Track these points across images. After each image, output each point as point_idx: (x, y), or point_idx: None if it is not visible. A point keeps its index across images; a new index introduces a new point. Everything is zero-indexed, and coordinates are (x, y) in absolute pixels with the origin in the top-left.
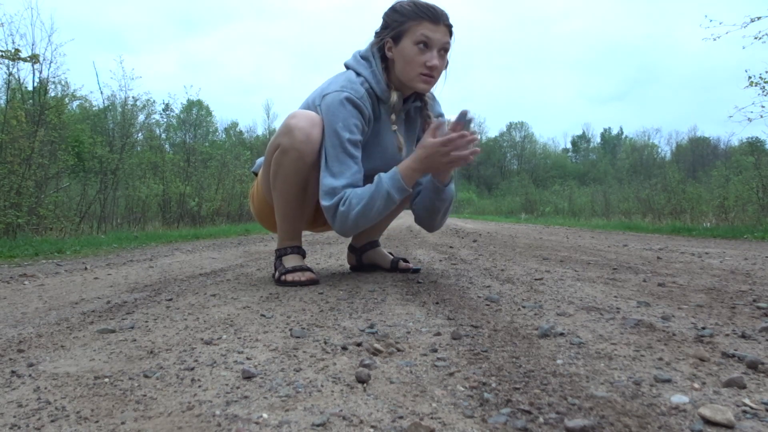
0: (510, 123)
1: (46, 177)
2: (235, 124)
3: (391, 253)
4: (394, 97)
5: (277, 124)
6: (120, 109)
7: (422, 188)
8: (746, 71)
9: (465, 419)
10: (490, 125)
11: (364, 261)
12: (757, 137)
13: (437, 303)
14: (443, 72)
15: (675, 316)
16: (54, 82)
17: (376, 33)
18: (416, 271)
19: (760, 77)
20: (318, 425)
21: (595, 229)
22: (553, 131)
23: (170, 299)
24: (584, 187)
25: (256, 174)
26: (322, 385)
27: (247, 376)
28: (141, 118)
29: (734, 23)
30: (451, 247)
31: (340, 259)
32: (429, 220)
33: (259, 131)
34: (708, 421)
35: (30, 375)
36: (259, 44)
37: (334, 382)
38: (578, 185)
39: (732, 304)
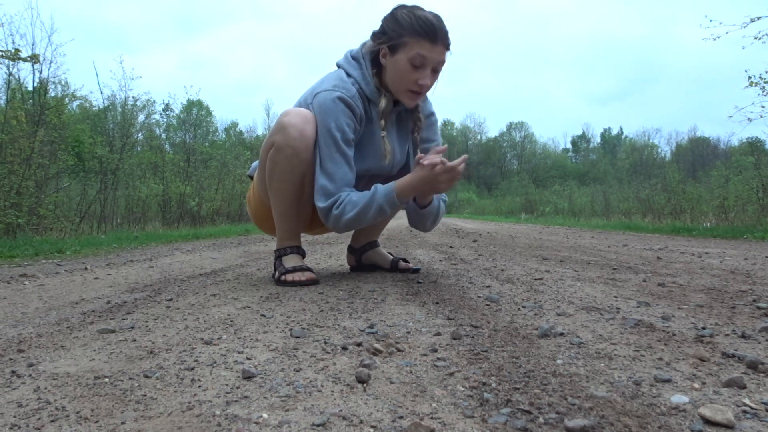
0: (510, 123)
1: (46, 177)
2: (235, 124)
3: (390, 253)
4: (383, 103)
5: None
6: (120, 109)
7: (407, 206)
8: (746, 71)
9: (465, 419)
10: (490, 125)
11: (364, 261)
12: (757, 137)
13: (437, 303)
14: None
15: (675, 316)
16: (54, 82)
17: (373, 35)
18: (416, 271)
19: (760, 77)
20: (318, 425)
21: (595, 229)
22: (553, 131)
23: (170, 299)
24: (584, 187)
25: (252, 178)
26: (322, 385)
27: (247, 376)
28: (141, 118)
29: (734, 23)
30: (451, 247)
31: (340, 259)
32: (420, 225)
33: (259, 131)
34: (708, 421)
35: (30, 375)
36: (259, 44)
37: (334, 382)
38: (578, 185)
39: (732, 304)
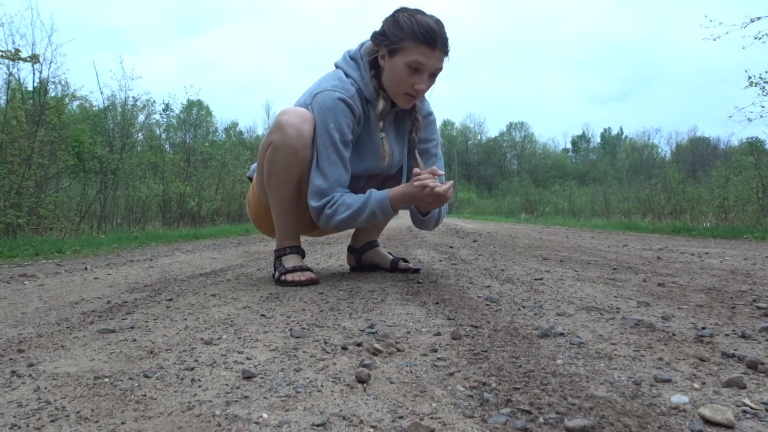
0: (510, 123)
1: (46, 177)
2: (235, 124)
3: (390, 253)
4: (381, 104)
5: None
6: (120, 109)
7: (409, 210)
8: (746, 71)
9: (465, 419)
10: (490, 125)
11: (364, 261)
12: (757, 137)
13: (437, 303)
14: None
15: (675, 316)
16: (54, 82)
17: (374, 36)
18: (416, 271)
19: (760, 77)
20: (318, 425)
21: (595, 229)
22: (553, 131)
23: (170, 299)
24: (584, 187)
25: (251, 179)
26: (322, 385)
27: (247, 376)
28: (141, 118)
29: (734, 23)
30: (451, 247)
31: (340, 259)
32: (422, 227)
33: (259, 131)
34: (708, 421)
35: (30, 375)
36: (259, 44)
37: (334, 382)
38: (578, 185)
39: (732, 304)
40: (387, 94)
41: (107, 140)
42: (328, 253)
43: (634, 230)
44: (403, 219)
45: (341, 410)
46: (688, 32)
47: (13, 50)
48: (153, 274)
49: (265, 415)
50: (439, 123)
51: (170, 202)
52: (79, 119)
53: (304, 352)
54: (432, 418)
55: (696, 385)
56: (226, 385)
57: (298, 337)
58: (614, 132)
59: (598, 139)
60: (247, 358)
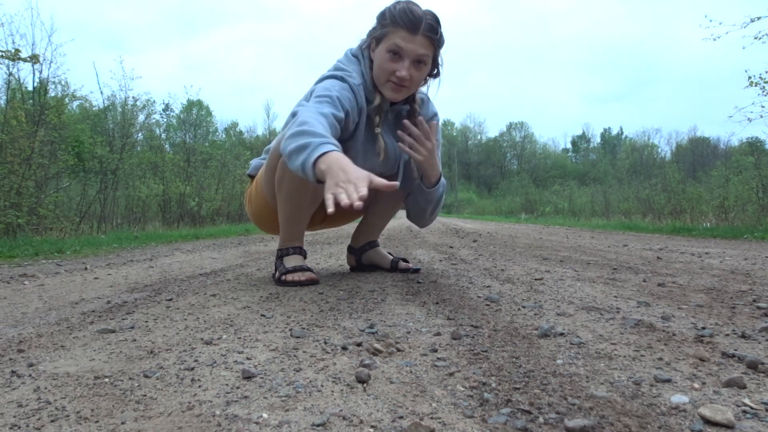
0: (510, 123)
1: (46, 177)
2: (235, 124)
3: (390, 253)
4: (378, 99)
5: (278, 125)
6: (120, 109)
7: (413, 188)
8: (746, 71)
9: (465, 419)
10: (490, 125)
11: (364, 261)
12: (757, 137)
13: (437, 303)
14: (437, 79)
15: (675, 316)
16: (54, 82)
17: (368, 32)
18: (416, 271)
19: (760, 77)
20: (318, 425)
21: (595, 229)
22: (553, 131)
23: (170, 299)
24: (584, 187)
25: (251, 177)
26: (322, 385)
27: (247, 376)
28: (141, 118)
29: (734, 23)
30: (451, 247)
31: (340, 259)
32: (419, 217)
33: (259, 131)
34: (708, 421)
35: (30, 375)
36: (259, 44)
37: (334, 382)
38: (578, 185)
39: (732, 304)
40: (378, 88)
41: (107, 140)
42: (328, 253)
43: (634, 230)
44: (403, 219)
45: (341, 410)
46: (689, 32)
47: (13, 50)
48: (153, 274)
49: (265, 415)
50: (440, 123)
51: (170, 202)
52: (79, 119)
53: (304, 352)
54: (432, 418)
55: (696, 385)
56: (226, 385)
57: (298, 337)
58: (614, 132)
59: (598, 139)
60: (247, 358)
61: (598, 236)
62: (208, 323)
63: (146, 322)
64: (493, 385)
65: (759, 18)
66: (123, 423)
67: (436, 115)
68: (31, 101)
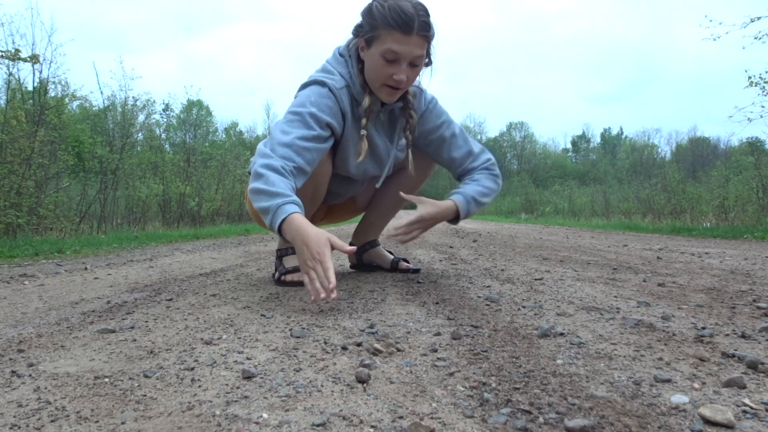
0: (510, 123)
1: (46, 177)
2: (235, 124)
3: (391, 253)
4: (367, 101)
5: None
6: (120, 109)
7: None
8: (746, 71)
9: (465, 419)
10: (490, 125)
11: (364, 261)
12: (757, 137)
13: (437, 303)
14: (429, 69)
15: (675, 316)
16: (54, 82)
17: (354, 29)
18: (416, 271)
19: (760, 77)
20: (318, 425)
21: (595, 229)
22: (553, 131)
23: (170, 299)
24: (584, 187)
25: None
26: (322, 385)
27: (247, 376)
28: (141, 118)
29: (734, 23)
30: (451, 247)
31: (341, 259)
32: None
33: (259, 131)
34: (708, 421)
35: (30, 375)
36: (259, 44)
37: (334, 382)
38: (578, 185)
39: (732, 304)
40: (372, 91)
41: (107, 140)
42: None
43: (634, 230)
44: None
45: (341, 410)
46: (688, 32)
47: (13, 50)
48: (153, 274)
49: (265, 415)
50: (438, 103)
51: (170, 202)
52: (79, 119)
53: (304, 352)
54: (432, 418)
55: (696, 385)
56: (226, 385)
57: (298, 337)
58: (614, 132)
59: (598, 139)
60: (247, 358)
61: (598, 236)
62: (208, 323)
63: (146, 322)
64: (493, 385)
65: (759, 18)
66: (123, 423)
67: (431, 100)
68: (31, 101)
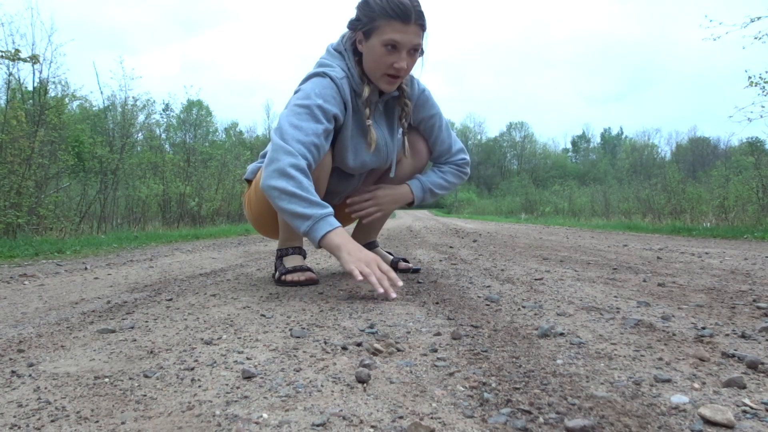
0: (510, 123)
1: (46, 177)
2: (235, 124)
3: (390, 253)
4: (367, 91)
5: None
6: (120, 109)
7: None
8: (746, 71)
9: (465, 419)
10: (490, 125)
11: None
12: (757, 137)
13: (437, 303)
14: (420, 59)
15: (675, 316)
16: (54, 82)
17: (349, 23)
18: (416, 271)
19: (760, 77)
20: (318, 425)
21: (595, 229)
22: (553, 131)
23: (170, 299)
24: (584, 187)
25: (248, 181)
26: (322, 385)
27: (247, 376)
28: (141, 118)
29: (734, 23)
30: (451, 247)
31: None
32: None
33: (259, 131)
34: (708, 421)
35: (30, 375)
36: (259, 44)
37: (334, 382)
38: (578, 185)
39: (732, 304)
40: (372, 81)
41: (107, 140)
42: (328, 253)
43: (634, 230)
44: (403, 219)
45: (341, 410)
46: (688, 32)
47: (13, 50)
48: (153, 274)
49: (265, 415)
50: (430, 94)
51: (170, 202)
52: (79, 119)
53: (304, 352)
54: (432, 418)
55: (696, 385)
56: (226, 385)
57: (298, 337)
58: (614, 132)
59: (598, 139)
60: (247, 358)
61: (598, 236)
62: (208, 323)
63: (146, 322)
64: (493, 385)
65: (759, 18)
66: (123, 423)
67: (424, 90)
68: (31, 101)
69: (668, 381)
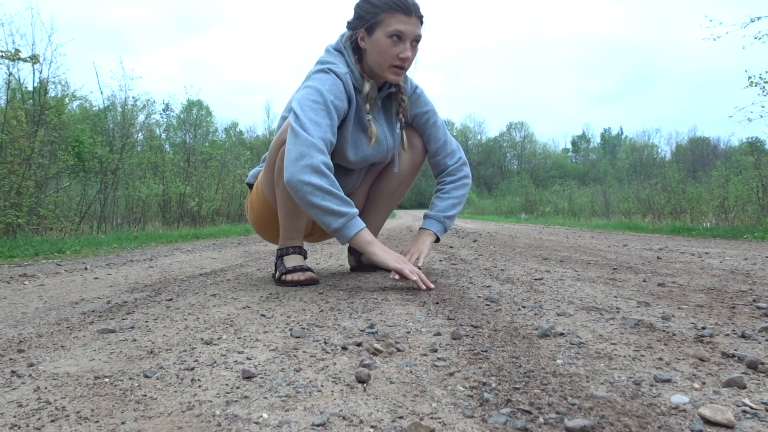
0: (510, 123)
1: (46, 177)
2: (235, 124)
3: None
4: (367, 87)
5: (278, 125)
6: (120, 109)
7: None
8: (746, 71)
9: (465, 419)
10: (490, 125)
11: (364, 262)
12: (757, 137)
13: (437, 303)
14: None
15: (675, 316)
16: (54, 82)
17: (349, 23)
18: None
19: (760, 77)
20: (318, 425)
21: (595, 229)
22: (553, 131)
23: (170, 299)
24: (584, 187)
25: (250, 186)
26: (322, 385)
27: (247, 376)
28: (141, 118)
29: (734, 23)
30: (451, 247)
31: (340, 259)
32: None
33: (259, 131)
34: (708, 421)
35: (30, 375)
36: (259, 44)
37: (334, 382)
38: (578, 185)
39: (732, 304)
40: (372, 78)
41: (107, 140)
42: (328, 253)
43: (634, 230)
44: (403, 219)
45: (341, 410)
46: (688, 32)
47: (13, 50)
48: (153, 274)
49: (265, 415)
50: (423, 92)
51: (170, 202)
52: (79, 119)
53: (304, 352)
54: (432, 418)
55: (696, 385)
56: (226, 385)
57: (298, 337)
58: (614, 132)
59: (598, 139)
60: (247, 358)
61: (598, 236)
62: (208, 323)
63: (146, 322)
64: (493, 385)
65: (759, 18)
66: (123, 423)
67: (416, 88)
68: (31, 101)
69: (668, 381)
